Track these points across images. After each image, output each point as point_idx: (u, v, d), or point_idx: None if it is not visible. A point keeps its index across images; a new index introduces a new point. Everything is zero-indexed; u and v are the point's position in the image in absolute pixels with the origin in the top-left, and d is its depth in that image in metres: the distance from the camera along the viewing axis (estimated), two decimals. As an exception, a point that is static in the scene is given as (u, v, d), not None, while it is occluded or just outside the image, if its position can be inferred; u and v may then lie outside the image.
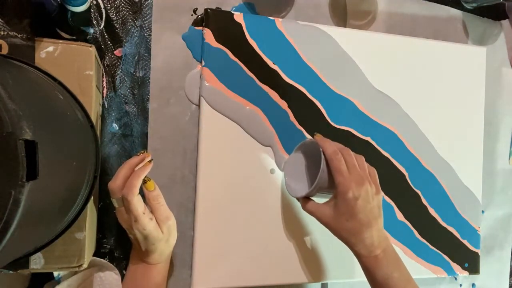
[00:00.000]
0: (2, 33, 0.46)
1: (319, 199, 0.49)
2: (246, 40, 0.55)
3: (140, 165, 0.44)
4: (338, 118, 0.59)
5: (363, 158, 0.48)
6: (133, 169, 0.43)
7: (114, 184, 0.42)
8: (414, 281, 0.48)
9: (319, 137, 0.50)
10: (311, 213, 0.48)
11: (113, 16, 0.52)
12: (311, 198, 0.50)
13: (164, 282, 0.48)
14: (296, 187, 0.52)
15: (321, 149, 0.47)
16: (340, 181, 0.45)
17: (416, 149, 0.63)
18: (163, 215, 0.44)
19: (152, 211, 0.43)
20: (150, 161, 0.44)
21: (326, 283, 0.61)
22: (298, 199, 0.51)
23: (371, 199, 0.45)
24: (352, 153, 0.48)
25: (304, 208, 0.49)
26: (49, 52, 0.43)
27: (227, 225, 0.54)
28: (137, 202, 0.41)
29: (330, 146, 0.47)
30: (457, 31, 0.69)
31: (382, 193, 0.48)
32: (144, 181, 0.42)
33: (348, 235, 0.45)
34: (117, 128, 0.53)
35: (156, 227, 0.43)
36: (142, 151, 0.45)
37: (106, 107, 0.52)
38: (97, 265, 0.50)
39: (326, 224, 0.47)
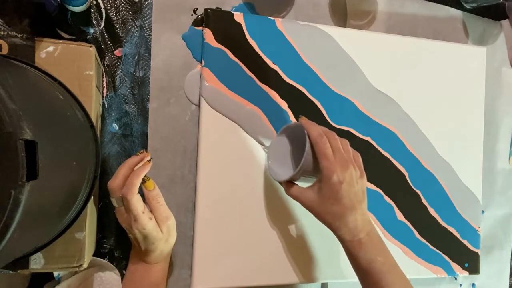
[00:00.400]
0: (2, 33, 0.46)
1: (303, 184, 0.48)
2: (246, 40, 0.55)
3: (140, 165, 0.44)
4: (338, 118, 0.59)
5: (348, 142, 0.48)
6: (132, 169, 0.43)
7: (114, 183, 0.42)
8: (399, 267, 0.47)
9: (304, 120, 0.48)
10: (294, 197, 0.47)
11: (113, 16, 0.52)
12: (295, 182, 0.49)
13: (164, 282, 0.48)
14: (279, 170, 0.51)
15: (306, 132, 0.47)
16: (325, 164, 0.44)
17: (416, 149, 0.63)
18: (162, 215, 0.44)
19: (151, 211, 0.43)
20: (149, 161, 0.44)
21: (326, 283, 0.61)
22: (281, 183, 0.50)
23: (356, 183, 0.45)
24: (337, 137, 0.47)
25: (287, 192, 0.48)
26: (49, 52, 0.43)
27: (227, 225, 0.54)
28: (136, 202, 0.41)
29: (316, 129, 0.46)
30: (457, 31, 0.69)
31: (365, 177, 0.47)
32: (144, 181, 0.43)
33: (332, 219, 0.45)
34: (117, 128, 0.53)
35: (156, 226, 0.43)
36: (142, 151, 0.45)
37: (106, 107, 0.52)
38: (97, 265, 0.50)
39: (310, 208, 0.46)
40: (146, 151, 0.47)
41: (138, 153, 0.45)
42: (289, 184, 0.48)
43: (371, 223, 0.47)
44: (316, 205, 0.45)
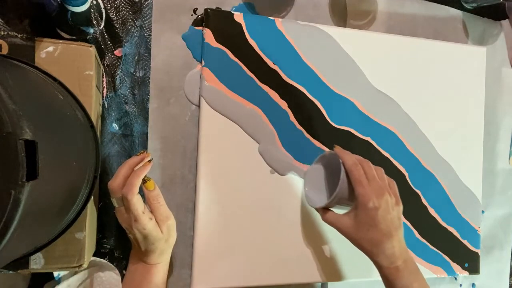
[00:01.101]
0: (2, 33, 0.46)
1: (338, 210, 0.50)
2: (246, 40, 0.55)
3: (140, 165, 0.44)
4: (338, 118, 0.59)
5: (382, 170, 0.49)
6: (133, 169, 0.43)
7: (114, 183, 0.42)
8: None
9: (338, 149, 0.51)
10: (330, 223, 0.49)
11: (113, 16, 0.52)
12: (330, 209, 0.50)
13: (164, 282, 0.48)
14: (315, 197, 0.54)
15: (340, 161, 0.49)
16: (360, 191, 0.45)
17: (416, 149, 0.63)
18: (162, 215, 0.44)
19: (151, 211, 0.43)
20: (149, 161, 0.44)
21: (326, 283, 0.61)
22: (317, 209, 0.52)
23: (391, 209, 0.46)
24: (371, 164, 0.49)
25: (323, 218, 0.50)
26: (49, 52, 0.43)
27: (227, 225, 0.54)
28: (136, 202, 0.41)
29: (350, 158, 0.48)
30: (457, 31, 0.69)
31: (401, 205, 0.48)
32: (144, 181, 0.43)
33: (370, 245, 0.46)
34: (117, 128, 0.53)
35: (156, 226, 0.43)
36: (142, 151, 0.45)
37: (106, 107, 0.52)
38: (97, 265, 0.50)
39: (346, 234, 0.48)
40: (146, 152, 0.47)
41: (138, 154, 0.45)
42: (324, 210, 0.50)
43: (407, 251, 0.48)
44: (353, 231, 0.47)
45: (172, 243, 0.47)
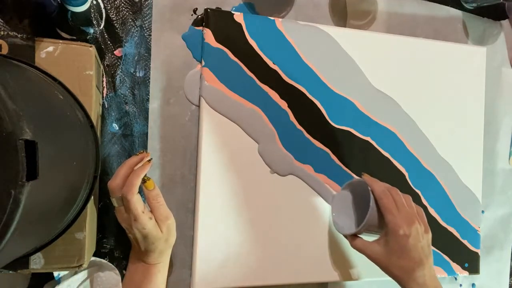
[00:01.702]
0: (2, 33, 0.46)
1: (367, 237, 0.51)
2: (246, 40, 0.55)
3: (140, 165, 0.44)
4: (338, 118, 0.59)
5: (410, 197, 0.50)
6: (132, 169, 0.43)
7: (114, 183, 0.42)
8: None
9: (367, 177, 0.52)
10: (359, 250, 0.50)
11: (113, 16, 0.52)
12: (359, 236, 0.51)
13: (164, 282, 0.48)
14: (343, 224, 0.54)
15: (369, 188, 0.49)
16: (390, 219, 0.46)
17: (416, 149, 0.63)
18: (162, 215, 0.44)
19: (151, 211, 0.43)
20: (149, 161, 0.44)
21: (326, 283, 0.61)
22: (345, 236, 0.53)
23: (421, 237, 0.47)
24: (400, 192, 0.50)
25: (352, 244, 0.51)
26: (49, 52, 0.43)
27: (227, 225, 0.54)
28: (136, 201, 0.41)
29: (379, 186, 0.49)
30: (457, 31, 0.69)
31: (430, 233, 0.49)
32: (144, 181, 0.43)
33: (401, 273, 0.47)
34: (117, 128, 0.53)
35: (156, 226, 0.43)
36: (142, 151, 0.45)
37: (106, 107, 0.52)
38: (97, 265, 0.50)
39: (376, 261, 0.48)
40: (146, 151, 0.47)
41: (138, 153, 0.45)
42: (353, 237, 0.51)
43: (437, 279, 0.49)
44: (384, 259, 0.47)
45: (172, 243, 0.47)
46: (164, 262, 0.47)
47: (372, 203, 0.48)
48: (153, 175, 0.53)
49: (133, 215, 0.41)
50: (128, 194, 0.41)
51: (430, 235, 0.49)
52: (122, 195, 0.42)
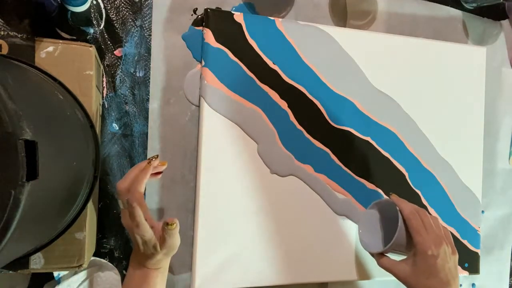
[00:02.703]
0: (2, 33, 0.46)
1: (394, 256, 0.51)
2: (246, 40, 0.55)
3: (151, 169, 0.44)
4: (338, 118, 0.59)
5: (438, 219, 0.51)
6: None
7: (122, 185, 0.42)
8: None
9: (395, 197, 0.53)
10: (386, 269, 0.50)
11: (113, 16, 0.52)
12: (385, 254, 0.52)
13: (163, 286, 0.48)
14: (370, 242, 0.55)
15: (397, 208, 0.50)
16: (419, 240, 0.47)
17: (416, 149, 0.63)
18: (168, 242, 0.43)
19: (160, 238, 0.43)
20: (149, 163, 0.44)
21: (326, 283, 0.61)
22: (372, 254, 0.53)
23: (449, 259, 0.48)
24: (428, 213, 0.50)
25: (379, 263, 0.51)
26: (49, 52, 0.43)
27: (227, 225, 0.54)
28: (139, 209, 0.41)
29: (407, 207, 0.50)
30: (457, 31, 0.69)
31: (457, 254, 0.50)
32: (167, 224, 0.42)
33: None
34: (117, 128, 0.53)
35: (155, 238, 0.43)
36: (155, 156, 0.45)
37: (106, 107, 0.52)
38: (97, 265, 0.50)
39: (404, 280, 0.49)
40: (157, 156, 0.46)
41: (150, 158, 0.45)
42: (380, 255, 0.51)
43: None
44: (411, 279, 0.48)
45: (172, 254, 0.46)
46: (164, 267, 0.47)
47: (400, 222, 0.49)
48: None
49: (135, 221, 0.41)
50: (131, 200, 0.41)
51: (457, 256, 0.50)
52: (127, 199, 0.41)
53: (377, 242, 0.55)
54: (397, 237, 0.49)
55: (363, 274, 0.60)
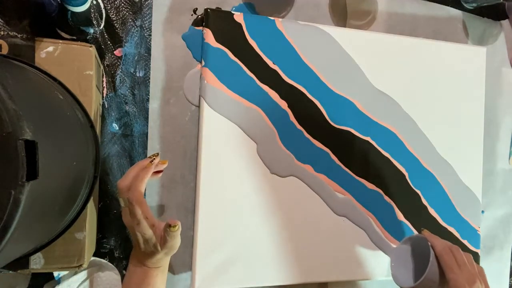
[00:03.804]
0: (2, 33, 0.46)
1: None
2: (246, 40, 0.55)
3: (152, 167, 0.44)
4: (338, 118, 0.59)
5: (471, 256, 0.51)
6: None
7: (123, 183, 0.42)
8: None
9: (427, 233, 0.54)
10: None
11: (113, 16, 0.52)
12: None
13: (163, 285, 0.48)
14: (401, 277, 0.55)
15: (429, 244, 0.51)
16: (452, 277, 0.47)
17: (416, 149, 0.63)
18: (169, 243, 0.43)
19: (161, 239, 0.43)
20: (151, 162, 0.44)
21: (326, 283, 0.61)
22: None
23: None
24: (460, 250, 0.50)
25: None
26: (49, 52, 0.43)
27: (227, 225, 0.54)
28: (139, 207, 0.41)
29: (440, 243, 0.50)
30: (457, 31, 0.69)
31: None
32: (169, 225, 0.42)
33: None
34: (117, 128, 0.53)
35: (157, 237, 0.43)
36: (155, 154, 0.45)
37: (106, 107, 0.52)
38: (97, 265, 0.50)
39: None
40: (157, 154, 0.46)
41: (151, 156, 0.45)
42: None
43: None
44: None
45: (171, 254, 0.46)
46: (163, 266, 0.47)
47: (432, 258, 0.49)
48: (153, 175, 0.53)
49: (135, 219, 0.41)
50: (132, 199, 0.41)
51: None
52: (128, 198, 0.41)
53: (409, 277, 0.55)
54: (428, 272, 0.49)
55: (363, 274, 0.60)
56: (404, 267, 0.57)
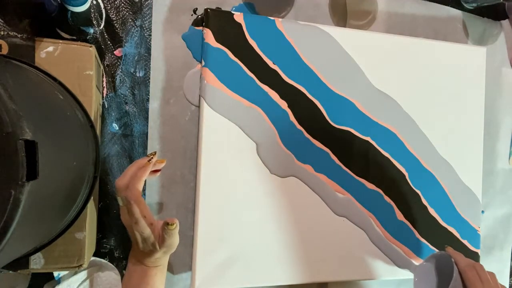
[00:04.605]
0: (2, 33, 0.46)
1: None
2: (246, 40, 0.55)
3: (150, 166, 0.44)
4: (338, 118, 0.59)
5: (495, 274, 0.52)
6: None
7: (121, 182, 0.42)
8: None
9: (451, 250, 0.55)
10: None
11: (113, 16, 0.52)
12: None
13: (162, 284, 0.48)
14: None
15: (453, 261, 0.51)
16: None
17: (416, 149, 0.63)
18: (167, 242, 0.43)
19: (159, 237, 0.43)
20: (149, 161, 0.44)
21: (326, 283, 0.61)
22: None
23: None
24: (484, 268, 0.51)
25: None
26: (49, 52, 0.43)
27: (227, 225, 0.54)
28: (137, 205, 0.41)
29: (464, 260, 0.52)
30: (457, 31, 0.69)
31: None
32: (167, 223, 0.42)
33: None
34: (117, 128, 0.53)
35: (155, 236, 0.43)
36: (153, 152, 0.45)
37: (106, 107, 0.52)
38: (97, 265, 0.50)
39: None
40: (155, 153, 0.46)
41: (149, 155, 0.45)
42: None
43: None
44: None
45: (170, 253, 0.46)
46: (162, 265, 0.47)
47: (456, 274, 0.50)
48: (153, 175, 0.53)
49: (133, 218, 0.41)
50: (131, 198, 0.41)
51: None
52: (125, 196, 0.41)
53: None
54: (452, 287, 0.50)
55: (363, 274, 0.60)
56: (427, 283, 0.58)
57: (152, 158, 0.45)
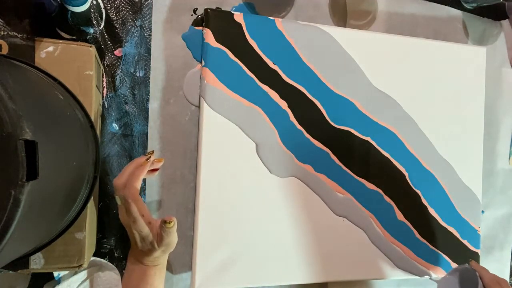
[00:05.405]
0: (2, 33, 0.46)
1: None
2: (246, 40, 0.55)
3: (148, 165, 0.44)
4: (338, 118, 0.59)
5: None
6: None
7: (119, 181, 0.42)
8: None
9: (475, 264, 0.56)
10: None
11: (113, 16, 0.52)
12: None
13: (162, 283, 0.48)
14: None
15: (477, 274, 0.52)
16: None
17: (416, 149, 0.63)
18: (165, 240, 0.43)
19: (158, 235, 0.43)
20: (147, 159, 0.44)
21: (326, 283, 0.61)
22: None
23: None
24: (508, 283, 0.52)
25: None
26: (49, 52, 0.43)
27: (227, 225, 0.54)
28: (135, 204, 0.41)
29: (489, 275, 0.53)
30: (457, 31, 0.69)
31: None
32: (165, 222, 0.42)
33: None
34: (117, 128, 0.53)
35: (153, 235, 0.43)
36: (151, 151, 0.45)
37: (106, 107, 0.52)
38: (97, 265, 0.50)
39: None
40: (153, 152, 0.46)
41: (147, 154, 0.45)
42: None
43: None
44: None
45: (168, 252, 0.46)
46: (161, 264, 0.47)
47: (480, 287, 0.51)
48: (153, 175, 0.53)
49: (132, 217, 0.41)
50: (129, 197, 0.41)
51: None
52: (123, 195, 0.41)
53: None
54: None
55: (363, 274, 0.60)
56: None
57: (150, 156, 0.45)
